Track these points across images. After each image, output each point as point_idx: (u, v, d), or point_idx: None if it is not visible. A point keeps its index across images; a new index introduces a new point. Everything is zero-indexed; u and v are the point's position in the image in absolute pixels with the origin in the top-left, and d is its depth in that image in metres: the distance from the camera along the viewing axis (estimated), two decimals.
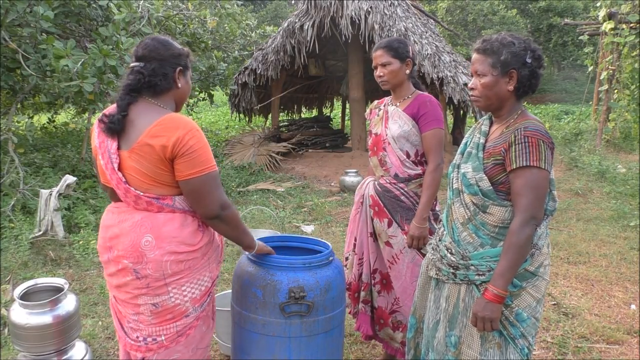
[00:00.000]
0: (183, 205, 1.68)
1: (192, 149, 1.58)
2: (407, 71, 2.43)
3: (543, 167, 1.63)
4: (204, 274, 1.76)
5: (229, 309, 2.32)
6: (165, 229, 1.64)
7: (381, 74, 2.42)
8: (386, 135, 2.45)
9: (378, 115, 2.55)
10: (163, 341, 1.71)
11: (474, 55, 1.77)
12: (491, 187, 1.72)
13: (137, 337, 1.72)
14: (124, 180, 1.63)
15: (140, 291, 1.66)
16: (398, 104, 2.47)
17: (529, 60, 1.69)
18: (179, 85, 1.71)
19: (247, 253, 2.14)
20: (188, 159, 1.58)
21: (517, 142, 1.65)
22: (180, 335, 1.74)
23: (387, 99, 2.58)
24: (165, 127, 1.57)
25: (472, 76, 1.78)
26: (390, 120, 2.45)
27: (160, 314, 1.69)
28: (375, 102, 2.66)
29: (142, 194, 1.62)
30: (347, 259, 2.64)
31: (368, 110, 2.69)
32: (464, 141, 1.91)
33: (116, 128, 1.60)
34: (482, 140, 1.80)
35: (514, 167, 1.65)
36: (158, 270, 1.63)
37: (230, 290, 2.24)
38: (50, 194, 4.41)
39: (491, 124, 1.86)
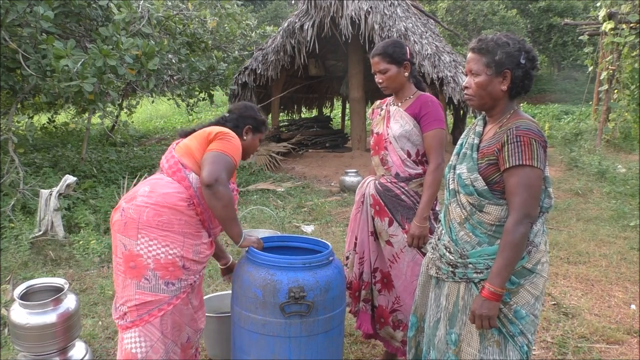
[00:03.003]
0: (192, 183, 2.01)
1: (227, 137, 2.07)
2: (406, 74, 2.43)
3: (536, 165, 1.64)
4: (174, 245, 1.95)
5: (217, 314, 2.32)
6: (161, 186, 2.00)
7: (380, 80, 2.44)
8: (387, 134, 2.46)
9: (380, 115, 2.56)
10: (128, 315, 1.94)
11: (469, 55, 1.78)
12: (486, 187, 1.73)
13: (117, 306, 1.99)
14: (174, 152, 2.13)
15: (119, 229, 1.96)
16: (400, 104, 2.48)
17: (523, 61, 1.71)
18: (244, 138, 2.24)
19: (246, 253, 2.15)
20: (220, 142, 2.05)
21: (509, 142, 1.66)
22: (141, 314, 1.92)
23: (389, 99, 2.59)
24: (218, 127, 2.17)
25: (466, 75, 1.79)
26: (392, 120, 2.46)
27: (127, 258, 1.94)
28: (378, 102, 2.67)
29: (176, 156, 2.07)
30: (347, 257, 2.65)
31: (370, 110, 2.70)
32: (459, 142, 1.92)
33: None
34: (476, 141, 1.81)
35: (507, 167, 1.66)
36: (137, 213, 1.94)
37: (230, 291, 2.25)
38: (50, 194, 4.41)
39: (485, 124, 1.87)
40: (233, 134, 2.11)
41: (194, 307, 2.09)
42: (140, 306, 1.93)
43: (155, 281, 1.92)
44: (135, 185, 5.01)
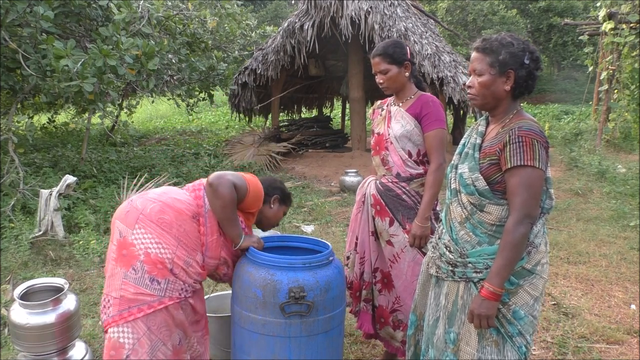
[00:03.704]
0: (205, 204, 2.09)
1: (254, 177, 2.24)
2: (407, 74, 2.44)
3: (537, 166, 1.64)
4: (167, 246, 1.97)
5: (217, 314, 2.32)
6: (176, 193, 2.14)
7: (381, 80, 2.44)
8: (388, 134, 2.46)
9: (381, 115, 2.56)
10: (111, 309, 1.93)
11: (473, 54, 1.78)
12: (487, 187, 1.74)
13: (104, 298, 1.99)
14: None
15: (120, 215, 2.04)
16: (401, 104, 2.48)
17: (527, 62, 1.71)
18: (271, 206, 2.35)
19: (247, 253, 2.15)
20: (246, 174, 2.23)
21: (511, 142, 1.67)
22: (121, 309, 1.91)
23: (390, 99, 2.59)
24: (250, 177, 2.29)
25: (470, 74, 1.80)
26: (393, 120, 2.46)
27: (120, 245, 1.98)
28: (379, 102, 2.68)
29: (204, 181, 2.17)
30: (348, 257, 2.65)
31: (371, 110, 2.71)
32: (462, 142, 1.93)
33: None
34: (478, 141, 1.82)
35: (509, 167, 1.67)
36: (142, 204, 2.03)
37: (230, 291, 2.25)
38: (50, 194, 4.41)
39: (488, 124, 1.88)
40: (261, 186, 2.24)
41: (189, 319, 2.06)
42: (122, 300, 1.92)
43: (141, 274, 1.93)
44: (135, 185, 5.04)
